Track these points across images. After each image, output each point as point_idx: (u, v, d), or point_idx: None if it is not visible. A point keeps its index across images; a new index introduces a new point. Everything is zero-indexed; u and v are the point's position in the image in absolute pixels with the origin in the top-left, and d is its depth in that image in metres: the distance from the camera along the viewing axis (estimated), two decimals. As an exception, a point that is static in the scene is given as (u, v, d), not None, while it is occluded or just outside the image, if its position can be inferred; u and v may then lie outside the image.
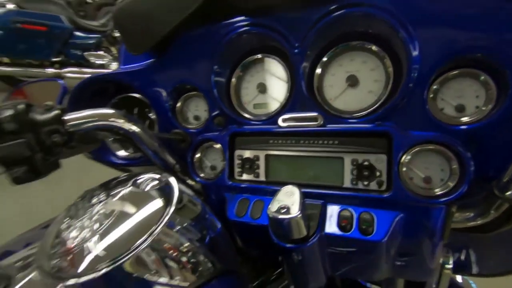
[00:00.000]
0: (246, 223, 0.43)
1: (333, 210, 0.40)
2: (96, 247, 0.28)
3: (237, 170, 0.48)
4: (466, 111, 0.37)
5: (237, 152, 0.48)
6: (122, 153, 0.63)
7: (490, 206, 0.36)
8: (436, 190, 0.37)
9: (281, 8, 0.41)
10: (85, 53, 3.29)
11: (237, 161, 0.48)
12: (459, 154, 0.35)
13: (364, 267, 0.40)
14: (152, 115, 0.58)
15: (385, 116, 0.39)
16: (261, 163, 0.46)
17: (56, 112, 0.38)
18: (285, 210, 0.34)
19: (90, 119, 0.40)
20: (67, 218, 0.33)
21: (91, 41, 3.41)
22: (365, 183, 0.39)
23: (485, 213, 0.37)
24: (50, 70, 3.12)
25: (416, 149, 0.37)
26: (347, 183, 0.40)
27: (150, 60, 0.53)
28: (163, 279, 0.31)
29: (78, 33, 3.29)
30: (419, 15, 0.35)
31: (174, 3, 0.44)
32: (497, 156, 0.35)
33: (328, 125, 0.42)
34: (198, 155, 0.52)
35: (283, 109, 0.45)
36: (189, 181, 0.52)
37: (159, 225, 0.30)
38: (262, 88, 0.49)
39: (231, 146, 0.48)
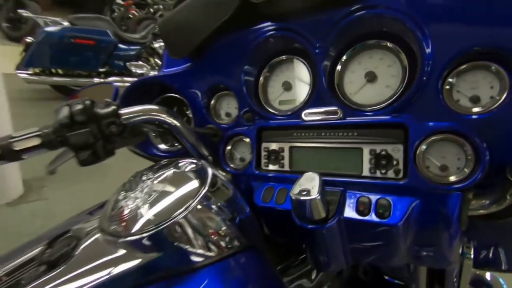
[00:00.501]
0: (271, 208, 0.47)
1: (352, 197, 0.42)
2: (144, 214, 0.35)
3: (263, 161, 0.52)
4: (481, 101, 0.38)
5: (264, 145, 0.52)
6: (162, 146, 0.70)
7: (505, 193, 0.37)
8: (452, 177, 0.38)
9: (303, 13, 0.45)
10: (127, 63, 3.58)
11: (263, 153, 0.52)
12: (474, 142, 0.37)
13: (382, 252, 0.42)
14: (189, 113, 0.65)
15: (401, 108, 0.41)
16: (286, 154, 0.50)
17: (113, 107, 0.45)
18: (306, 192, 0.38)
19: (140, 113, 0.48)
20: (123, 191, 0.40)
21: (132, 53, 3.71)
22: (383, 171, 0.42)
23: (500, 199, 0.38)
24: (97, 80, 3.44)
25: (432, 139, 0.39)
26: (365, 172, 0.43)
27: (188, 64, 0.60)
28: (194, 247, 0.36)
29: (121, 45, 3.60)
30: (432, 16, 0.38)
31: (209, 14, 0.51)
32: (511, 143, 0.36)
33: (348, 118, 0.45)
34: (228, 148, 0.57)
35: (306, 105, 0.49)
36: (220, 172, 0.58)
37: (194, 200, 0.36)
38: (287, 86, 0.53)
39: (259, 139, 0.53)
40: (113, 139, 0.45)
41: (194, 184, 0.38)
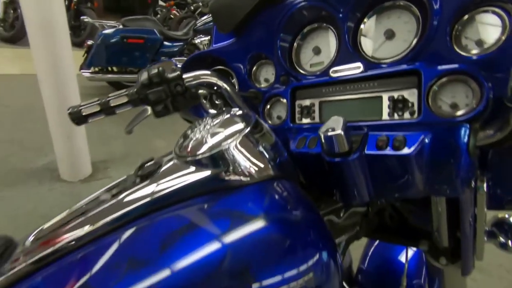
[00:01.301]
0: (304, 152, 0.53)
1: (372, 137, 0.47)
2: (203, 143, 0.46)
3: (297, 116, 0.59)
4: (485, 44, 0.43)
5: (297, 102, 0.59)
6: (211, 110, 0.84)
7: (507, 120, 0.41)
8: (461, 111, 0.42)
9: None
10: (172, 59, 3.87)
11: (297, 109, 0.59)
12: (479, 80, 0.41)
13: (400, 182, 0.46)
14: (234, 81, 0.74)
15: (415, 57, 0.46)
16: (316, 108, 0.57)
17: (178, 72, 0.57)
18: (332, 129, 0.45)
19: (198, 77, 0.60)
20: (189, 129, 0.52)
21: (176, 49, 4.00)
22: (400, 113, 0.46)
23: (503, 126, 0.42)
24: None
25: (442, 80, 0.43)
26: (385, 116, 0.48)
27: (233, 38, 0.69)
28: (240, 169, 0.45)
29: (166, 43, 3.90)
30: None
31: None
32: (507, 78, 0.41)
33: (369, 71, 0.50)
34: (267, 108, 0.65)
35: (333, 64, 0.55)
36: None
37: (241, 134, 0.46)
38: (317, 51, 0.60)
39: (293, 98, 0.60)
40: (178, 98, 0.58)
41: (241, 123, 0.48)
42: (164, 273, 0.35)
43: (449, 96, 0.44)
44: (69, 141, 2.02)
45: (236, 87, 0.76)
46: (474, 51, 0.44)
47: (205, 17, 4.26)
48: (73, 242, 0.42)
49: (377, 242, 0.94)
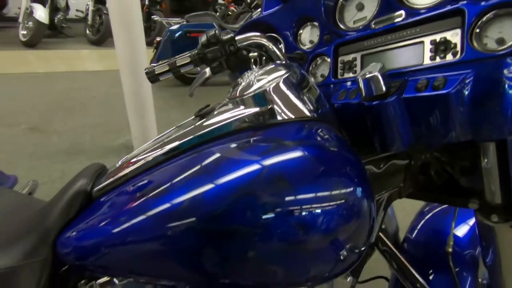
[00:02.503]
0: (345, 103, 0.55)
1: (412, 81, 0.46)
2: (251, 86, 0.52)
3: (339, 71, 0.61)
4: None
5: (340, 58, 0.61)
6: None
7: None
8: (506, 46, 0.40)
9: None
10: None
11: (339, 65, 0.61)
12: None
13: (440, 126, 0.44)
14: (281, 46, 0.79)
15: None
16: (358, 62, 0.56)
17: (231, 34, 0.64)
18: (369, 72, 0.47)
19: (249, 38, 0.67)
20: (241, 78, 0.59)
21: (233, 42, 4.22)
22: (442, 55, 0.45)
23: None
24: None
25: (487, 16, 0.41)
26: (426, 61, 0.46)
27: (280, 5, 0.75)
28: (281, 109, 0.49)
29: (224, 36, 4.14)
30: None
31: None
32: None
33: (410, 18, 0.50)
34: (312, 67, 0.68)
35: (375, 17, 0.56)
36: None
37: (283, 76, 0.50)
38: (360, 7, 0.60)
39: (335, 55, 0.62)
40: (231, 57, 0.66)
41: (283, 70, 0.53)
42: (216, 182, 0.41)
43: (495, 31, 0.41)
44: (142, 120, 2.34)
45: (283, 51, 0.80)
46: None
47: (260, 9, 4.36)
48: (145, 164, 0.50)
49: (427, 216, 0.91)
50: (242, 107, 0.50)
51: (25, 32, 5.49)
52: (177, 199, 0.41)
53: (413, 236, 0.88)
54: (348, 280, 0.61)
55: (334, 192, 0.42)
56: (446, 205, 0.88)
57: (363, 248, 0.46)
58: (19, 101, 3.45)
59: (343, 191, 0.43)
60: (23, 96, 3.59)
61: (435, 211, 0.90)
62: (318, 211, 0.41)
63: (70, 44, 5.93)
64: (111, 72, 3.90)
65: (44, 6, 5.56)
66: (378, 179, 0.61)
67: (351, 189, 0.44)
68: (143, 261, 0.44)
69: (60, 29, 6.24)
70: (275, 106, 0.49)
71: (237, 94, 0.52)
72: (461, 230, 0.83)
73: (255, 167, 0.42)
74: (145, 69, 0.70)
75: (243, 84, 0.54)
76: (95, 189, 0.53)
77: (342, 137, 0.50)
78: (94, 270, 0.48)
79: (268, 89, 0.50)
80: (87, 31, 6.14)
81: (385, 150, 0.50)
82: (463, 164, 0.59)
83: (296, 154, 0.43)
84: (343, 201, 0.42)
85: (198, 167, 0.44)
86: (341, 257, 0.44)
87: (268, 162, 0.42)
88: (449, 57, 0.44)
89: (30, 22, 5.37)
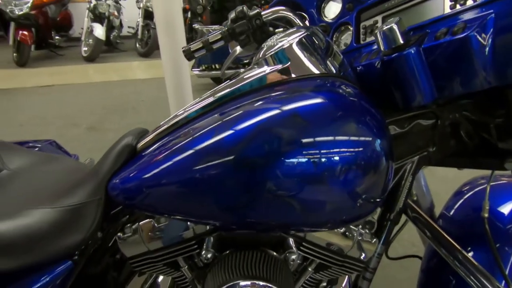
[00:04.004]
0: (367, 64, 0.55)
1: (432, 32, 0.46)
2: (273, 47, 0.56)
3: (361, 36, 0.61)
4: None
5: (362, 24, 0.61)
6: None
7: None
8: None
9: None
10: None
11: (361, 30, 0.61)
12: None
13: (462, 73, 0.43)
14: (306, 22, 0.83)
15: None
16: (379, 24, 0.57)
17: (258, 10, 0.72)
18: (386, 26, 0.46)
19: (275, 11, 0.73)
20: (264, 44, 0.63)
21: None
22: (462, 2, 0.43)
23: None
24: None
25: None
26: (447, 10, 0.45)
27: None
28: (302, 69, 0.49)
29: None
30: None
31: None
32: None
33: None
34: (336, 36, 0.72)
35: None
36: None
37: (301, 35, 0.54)
38: None
39: (357, 21, 0.62)
40: (257, 31, 0.73)
41: (302, 31, 0.57)
42: (238, 125, 0.45)
43: None
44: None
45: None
46: None
47: None
48: (181, 120, 0.53)
49: (465, 195, 0.86)
50: (265, 66, 0.52)
51: (86, 49, 6.26)
52: (205, 142, 0.46)
53: (450, 213, 0.85)
54: (373, 241, 0.59)
55: (349, 136, 0.43)
56: (485, 185, 0.84)
57: (378, 200, 0.47)
58: (81, 106, 3.95)
59: (358, 137, 0.44)
60: (85, 101, 4.10)
61: (473, 190, 0.87)
62: (332, 150, 0.42)
63: (123, 57, 6.61)
64: (158, 79, 4.30)
65: (102, 25, 6.30)
66: (403, 140, 0.60)
67: (368, 138, 0.44)
68: (178, 199, 0.48)
69: (114, 45, 7.02)
70: (297, 63, 0.50)
71: (260, 56, 0.55)
72: (502, 206, 0.78)
73: (272, 109, 0.45)
74: (182, 48, 0.79)
75: (266, 46, 0.56)
76: (139, 144, 0.58)
77: (363, 94, 0.50)
78: (139, 207, 0.52)
79: (287, 46, 0.51)
80: (137, 45, 6.79)
81: (408, 107, 0.49)
82: (495, 122, 0.56)
83: (313, 97, 0.45)
84: (356, 143, 0.43)
85: (224, 116, 0.48)
86: (354, 201, 0.45)
87: (285, 104, 0.45)
88: (469, 2, 0.43)
89: (90, 40, 6.14)
